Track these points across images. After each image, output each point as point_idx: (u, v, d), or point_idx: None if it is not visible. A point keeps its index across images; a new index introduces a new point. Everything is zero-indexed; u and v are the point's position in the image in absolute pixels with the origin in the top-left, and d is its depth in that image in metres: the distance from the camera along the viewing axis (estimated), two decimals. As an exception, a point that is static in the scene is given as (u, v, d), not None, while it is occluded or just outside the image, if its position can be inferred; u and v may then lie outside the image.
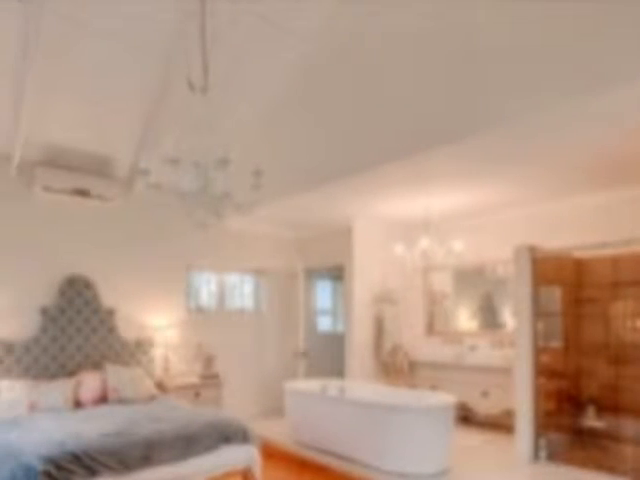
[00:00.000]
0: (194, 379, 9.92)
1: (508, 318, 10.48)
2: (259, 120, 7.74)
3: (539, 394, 8.27)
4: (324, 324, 14.12)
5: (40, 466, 4.92)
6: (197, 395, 9.52)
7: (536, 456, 8.14)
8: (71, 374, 8.33)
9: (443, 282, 11.89)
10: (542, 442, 8.15)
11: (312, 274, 12.98)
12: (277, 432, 9.81)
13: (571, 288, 9.28)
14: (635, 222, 8.51)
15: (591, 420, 8.95)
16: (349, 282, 11.20)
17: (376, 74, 6.32)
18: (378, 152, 7.32)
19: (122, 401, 7.98)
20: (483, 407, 10.04)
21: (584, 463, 7.86)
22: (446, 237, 10.53)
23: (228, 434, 6.54)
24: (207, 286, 11.47)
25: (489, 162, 7.55)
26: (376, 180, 8.26)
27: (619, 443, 8.53)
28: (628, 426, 8.54)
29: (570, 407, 9.21)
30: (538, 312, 8.34)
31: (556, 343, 8.92)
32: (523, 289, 8.39)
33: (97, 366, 8.66)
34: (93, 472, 5.22)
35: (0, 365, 7.81)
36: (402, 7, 5.28)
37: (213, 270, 11.37)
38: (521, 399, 8.32)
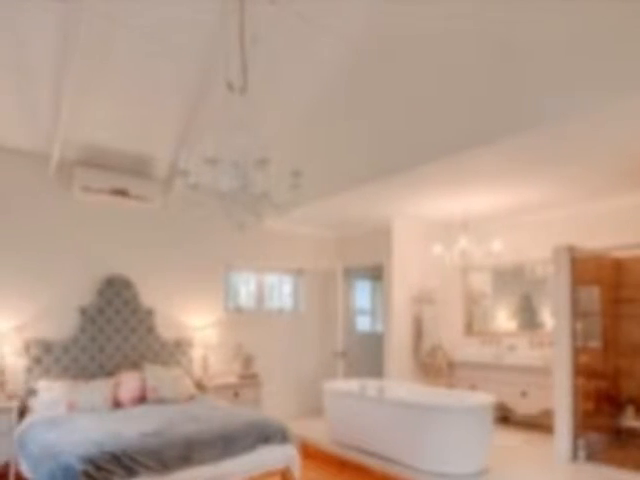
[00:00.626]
0: (233, 379, 9.94)
1: (547, 318, 10.42)
2: (298, 120, 7.74)
3: (578, 394, 8.23)
4: (363, 324, 14.07)
5: (79, 466, 4.94)
6: (236, 395, 9.54)
7: (575, 456, 8.11)
8: (110, 374, 8.36)
9: (482, 282, 11.86)
10: (581, 442, 8.11)
11: (351, 274, 12.95)
12: (316, 432, 9.81)
13: (610, 288, 9.23)
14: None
15: (630, 420, 8.92)
16: (388, 282, 11.17)
17: (415, 74, 6.31)
18: (418, 152, 7.31)
19: (161, 401, 8.01)
20: (522, 407, 10.00)
21: (623, 463, 7.82)
22: (485, 237, 10.55)
23: (267, 434, 6.55)
24: (246, 286, 11.48)
25: (528, 162, 7.51)
26: (415, 180, 8.24)
27: (659, 443, 8.47)
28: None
29: (609, 407, 9.16)
30: (577, 312, 8.31)
31: (595, 343, 8.87)
32: (562, 289, 8.36)
33: (136, 366, 8.69)
34: (132, 472, 5.24)
35: (39, 365, 7.85)
36: (441, 6, 5.27)
37: (252, 270, 11.37)
38: (560, 399, 8.29)
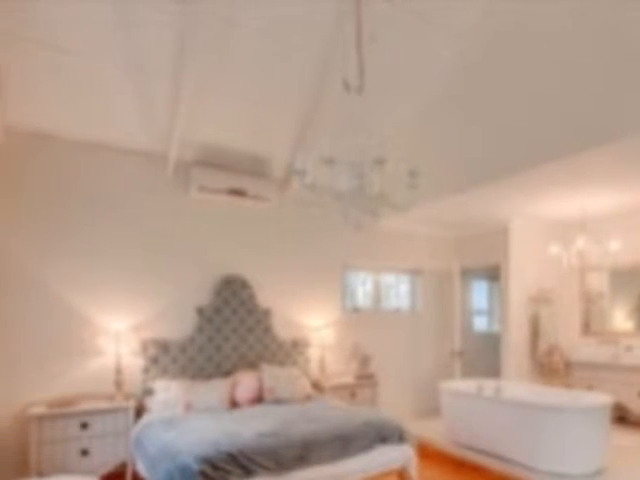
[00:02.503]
0: (350, 379, 9.93)
1: (665, 319, 10.21)
2: (416, 119, 7.77)
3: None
4: (480, 324, 14.13)
5: (197, 466, 4.99)
6: (353, 395, 9.51)
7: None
8: (227, 374, 8.43)
9: (599, 282, 11.68)
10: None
11: (468, 274, 12.97)
12: (433, 432, 9.78)
13: None
14: None
15: None
16: (505, 282, 11.13)
17: (533, 71, 6.27)
18: (536, 152, 7.17)
19: (278, 401, 8.04)
20: (639, 407, 9.88)
21: None
22: (602, 237, 10.39)
23: (384, 434, 6.53)
24: (363, 286, 11.45)
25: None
26: (533, 180, 8.09)
27: None
28: None
29: None
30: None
31: None
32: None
33: (253, 366, 8.75)
34: (249, 472, 5.27)
35: (156, 365, 7.94)
36: (556, 3, 5.24)
37: (369, 270, 11.34)
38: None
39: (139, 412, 7.45)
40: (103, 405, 7.08)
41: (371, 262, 11.12)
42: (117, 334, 7.57)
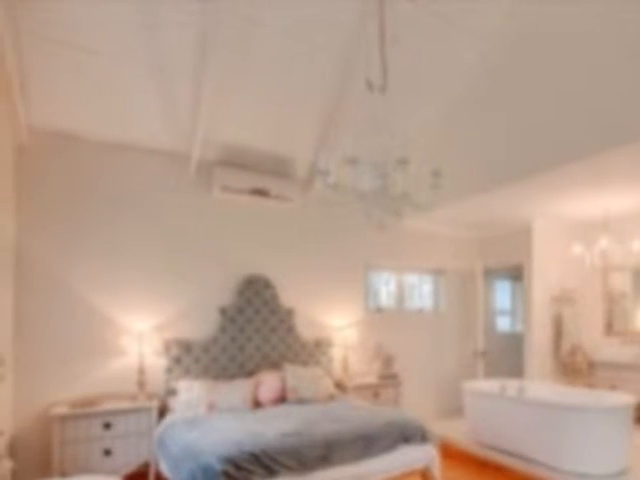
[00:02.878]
0: (373, 379, 9.91)
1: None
2: (439, 121, 7.77)
3: None
4: (503, 324, 14.10)
5: (219, 466, 4.99)
6: (376, 395, 9.49)
7: None
8: (250, 374, 8.44)
9: (622, 282, 11.55)
10: None
11: (491, 274, 12.94)
12: (456, 432, 9.77)
13: None
14: None
15: None
16: (528, 282, 11.08)
17: (556, 73, 6.25)
18: (558, 152, 7.14)
19: (301, 401, 8.03)
20: (663, 408, 9.81)
21: None
22: (625, 236, 10.35)
23: (407, 434, 6.52)
24: (386, 286, 11.42)
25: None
26: (556, 180, 8.03)
27: None
28: None
29: None
30: None
31: None
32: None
33: (276, 366, 8.75)
34: (272, 472, 5.26)
35: (179, 365, 7.95)
36: (578, 6, 5.24)
37: (392, 270, 11.32)
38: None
39: (162, 412, 7.49)
40: (126, 405, 7.10)
41: (394, 262, 11.11)
42: (140, 334, 7.59)
